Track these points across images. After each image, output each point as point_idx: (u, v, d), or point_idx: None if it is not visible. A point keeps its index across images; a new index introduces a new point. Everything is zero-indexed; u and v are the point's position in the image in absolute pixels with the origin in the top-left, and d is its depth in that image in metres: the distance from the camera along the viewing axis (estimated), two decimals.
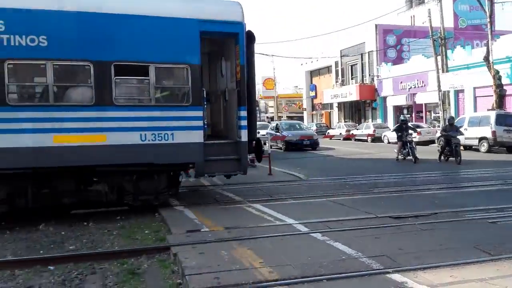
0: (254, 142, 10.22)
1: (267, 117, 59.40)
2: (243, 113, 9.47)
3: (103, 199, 9.20)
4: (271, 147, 16.67)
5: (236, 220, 8.28)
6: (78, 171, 8.80)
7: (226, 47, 10.29)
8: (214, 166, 9.44)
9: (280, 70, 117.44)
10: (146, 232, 7.92)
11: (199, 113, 9.15)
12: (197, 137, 9.09)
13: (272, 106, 64.64)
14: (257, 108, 12.79)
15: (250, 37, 9.81)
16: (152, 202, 9.44)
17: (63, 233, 8.02)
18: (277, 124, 29.34)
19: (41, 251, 6.98)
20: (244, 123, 9.45)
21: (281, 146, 26.03)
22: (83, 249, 7.01)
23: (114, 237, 7.67)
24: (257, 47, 11.97)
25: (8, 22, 8.07)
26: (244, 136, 9.42)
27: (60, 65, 8.61)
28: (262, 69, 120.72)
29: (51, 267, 6.12)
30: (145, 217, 9.04)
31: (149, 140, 8.83)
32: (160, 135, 8.91)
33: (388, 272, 5.20)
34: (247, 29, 9.67)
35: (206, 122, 9.55)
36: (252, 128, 9.91)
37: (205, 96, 9.46)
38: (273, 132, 26.75)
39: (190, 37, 9.05)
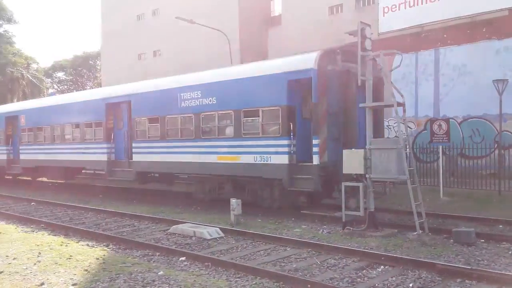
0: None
1: None
2: (314, 141, 11.46)
3: (245, 199, 12.59)
4: None
5: None
6: (231, 179, 13.62)
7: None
8: (296, 182, 11.80)
9: None
10: None
11: (287, 142, 11.91)
12: (285, 159, 11.88)
13: None
14: None
15: (348, 74, 11.50)
16: (272, 206, 12.83)
17: None
18: None
19: None
20: (315, 149, 11.38)
21: None
22: None
23: None
24: None
25: (204, 91, 13.94)
26: (315, 160, 11.35)
27: (222, 114, 13.54)
28: None
29: None
30: None
31: (258, 161, 12.48)
32: (263, 158, 12.37)
33: None
34: (346, 69, 11.54)
35: (293, 149, 11.94)
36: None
37: (291, 128, 11.90)
38: None
39: (280, 86, 12.03)
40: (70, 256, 8.00)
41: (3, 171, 23.45)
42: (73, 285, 6.39)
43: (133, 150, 16.31)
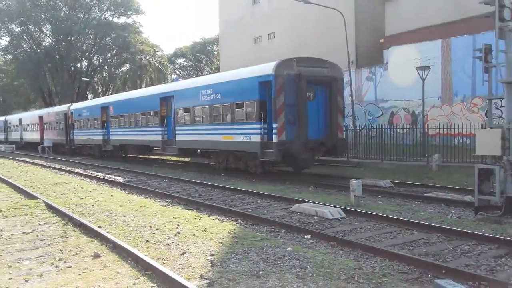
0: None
1: None
2: (274, 125, 15.74)
3: (242, 167, 18.25)
4: None
5: None
6: (232, 153, 18.58)
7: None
8: (266, 155, 16.24)
9: None
10: None
11: (259, 126, 16.37)
12: (258, 138, 16.44)
13: None
14: None
15: (300, 77, 15.75)
16: (256, 171, 17.53)
17: None
18: None
19: None
20: (274, 131, 15.72)
21: None
22: None
23: None
24: None
25: (215, 89, 18.75)
26: (274, 138, 15.71)
27: (226, 105, 18.07)
28: None
29: None
30: None
31: (243, 139, 17.07)
32: (246, 137, 16.92)
33: None
34: (298, 73, 15.84)
35: (264, 131, 16.39)
36: (298, 133, 15.85)
37: (262, 116, 16.27)
38: None
39: (253, 86, 16.58)
40: (205, 229, 8.64)
41: (100, 148, 30.92)
42: (211, 255, 6.92)
43: (176, 132, 21.83)
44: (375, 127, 22.53)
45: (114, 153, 30.26)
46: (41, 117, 41.89)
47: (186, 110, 20.86)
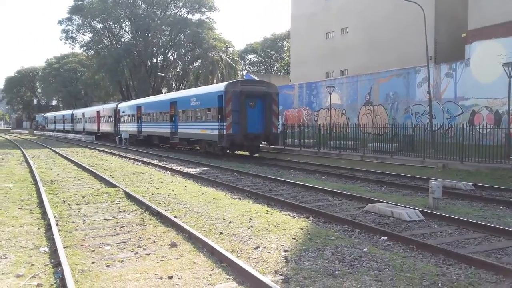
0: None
1: None
2: (224, 124, 23.59)
3: (212, 151, 26.13)
4: None
5: None
6: (206, 142, 27.20)
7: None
8: (221, 143, 24.10)
9: None
10: None
11: (217, 124, 24.20)
12: (216, 132, 24.34)
13: None
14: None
15: (241, 93, 23.37)
16: (219, 153, 25.31)
17: None
18: None
19: None
20: (224, 127, 23.54)
21: None
22: None
23: None
24: None
25: (197, 98, 27.88)
26: (224, 132, 23.52)
27: (202, 109, 26.83)
28: None
29: None
30: None
31: (210, 132, 25.35)
32: (211, 131, 25.08)
33: None
34: (240, 90, 23.60)
35: (220, 127, 23.98)
36: (238, 129, 23.48)
37: (220, 118, 24.05)
38: None
39: (215, 98, 24.65)
40: (277, 224, 8.58)
41: (135, 138, 39.55)
42: (285, 251, 6.84)
43: (178, 126, 30.51)
44: (454, 126, 21.32)
45: (145, 142, 38.37)
46: (98, 112, 51.35)
47: (184, 111, 29.47)
